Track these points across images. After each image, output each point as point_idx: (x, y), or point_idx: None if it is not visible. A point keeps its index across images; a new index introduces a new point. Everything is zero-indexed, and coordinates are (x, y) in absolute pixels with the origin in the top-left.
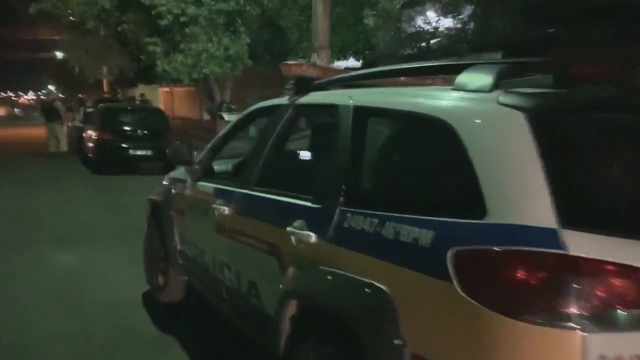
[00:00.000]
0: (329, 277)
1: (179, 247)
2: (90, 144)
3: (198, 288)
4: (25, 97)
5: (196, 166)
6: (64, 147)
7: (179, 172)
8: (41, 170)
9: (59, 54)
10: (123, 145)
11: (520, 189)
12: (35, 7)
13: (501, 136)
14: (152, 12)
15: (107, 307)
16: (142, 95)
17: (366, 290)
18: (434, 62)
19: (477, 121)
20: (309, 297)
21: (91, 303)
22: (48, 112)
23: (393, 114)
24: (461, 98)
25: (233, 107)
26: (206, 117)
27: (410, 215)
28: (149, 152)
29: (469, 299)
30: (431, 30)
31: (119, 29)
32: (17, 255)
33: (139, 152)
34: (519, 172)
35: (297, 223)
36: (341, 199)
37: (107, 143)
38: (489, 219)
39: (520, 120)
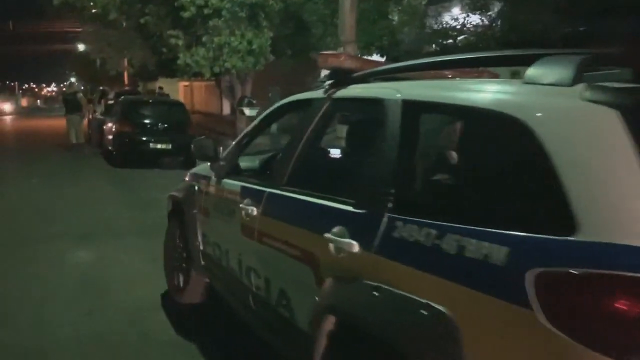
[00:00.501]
0: (375, 294)
1: (201, 247)
2: (111, 137)
3: (221, 292)
4: (48, 88)
5: (221, 162)
6: (81, 138)
7: (202, 168)
8: (61, 163)
9: (81, 46)
10: (143, 138)
11: (619, 201)
12: None
13: (591, 137)
14: (175, 4)
15: (126, 309)
16: (160, 88)
17: (422, 311)
18: (494, 53)
19: (559, 119)
20: (350, 313)
21: (111, 304)
22: (69, 103)
23: (452, 110)
24: (536, 92)
25: (254, 102)
26: (226, 111)
27: (478, 228)
28: (170, 146)
29: (555, 330)
30: (458, 27)
31: (142, 21)
32: (36, 252)
33: (159, 146)
34: (616, 180)
35: (336, 229)
36: (389, 204)
37: (127, 136)
38: (581, 236)
39: (613, 119)
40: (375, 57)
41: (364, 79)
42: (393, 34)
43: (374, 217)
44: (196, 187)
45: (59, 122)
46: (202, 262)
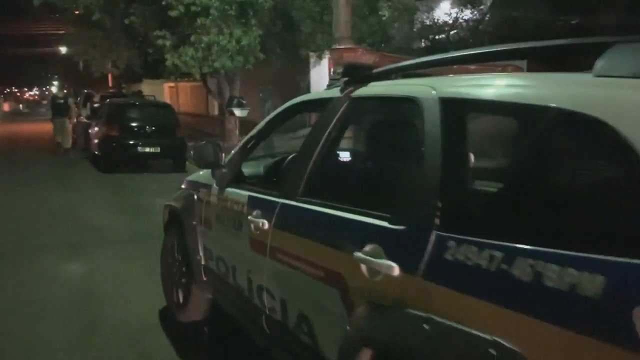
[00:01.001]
0: (425, 326)
1: (203, 262)
2: (97, 141)
3: (227, 310)
4: (30, 92)
5: (224, 170)
6: (67, 143)
7: (201, 175)
8: (46, 169)
9: (63, 49)
10: (131, 142)
11: None
12: None
13: None
14: (162, 3)
15: (124, 328)
16: (139, 92)
17: (490, 351)
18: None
19: None
20: (393, 348)
21: (106, 323)
22: (57, 107)
23: (506, 108)
24: (612, 86)
25: (244, 102)
26: (213, 112)
27: (560, 251)
28: (158, 149)
29: None
30: (450, 21)
31: (126, 21)
32: (25, 265)
33: (147, 149)
34: None
35: (369, 248)
36: (436, 220)
37: (114, 140)
38: None
39: None
40: None
41: (386, 76)
42: (384, 30)
43: (418, 235)
44: (195, 197)
45: (42, 127)
46: (205, 278)
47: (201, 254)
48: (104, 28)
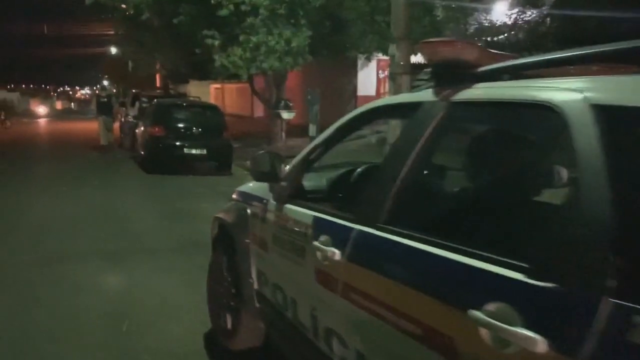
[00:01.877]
0: None
1: (256, 286)
2: (143, 141)
3: (282, 348)
4: (82, 91)
5: (283, 183)
6: (108, 140)
7: (255, 186)
8: (92, 169)
9: (113, 50)
10: (177, 143)
11: None
12: None
13: None
14: (212, 2)
15: (163, 354)
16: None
17: None
18: None
19: None
20: None
21: (144, 348)
22: (102, 105)
23: None
24: None
25: (291, 104)
26: (257, 113)
27: None
28: (204, 151)
29: None
30: (509, 22)
31: (175, 21)
32: (60, 275)
33: (193, 151)
34: None
35: (494, 307)
36: (610, 281)
37: (160, 141)
38: None
39: None
40: (419, 57)
41: (495, 76)
42: (439, 31)
43: (579, 300)
44: (249, 211)
45: (91, 125)
46: (257, 305)
47: (254, 277)
48: (152, 28)
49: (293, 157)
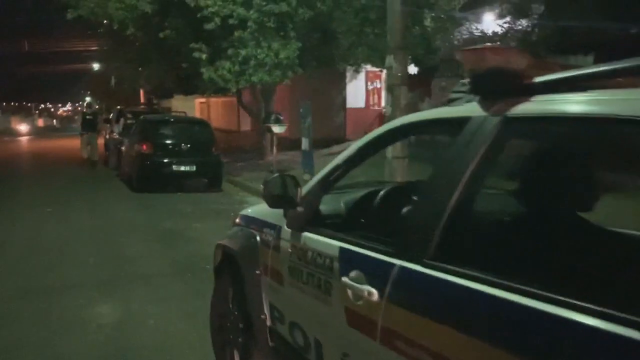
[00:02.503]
0: None
1: (269, 323)
2: (130, 159)
3: None
4: (64, 108)
5: (299, 208)
6: (94, 156)
7: (263, 210)
8: (77, 189)
9: (96, 66)
10: (165, 160)
11: None
12: (72, 12)
13: None
14: (198, 15)
15: None
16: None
17: None
18: None
19: None
20: None
21: None
22: (87, 122)
23: None
24: None
25: (282, 118)
26: (245, 127)
27: None
28: (194, 168)
29: None
30: (500, 32)
31: (161, 35)
32: (47, 308)
33: (182, 168)
34: None
35: None
36: None
37: (147, 158)
38: None
39: None
40: (411, 68)
41: (554, 88)
42: (428, 41)
43: None
44: (258, 239)
45: (74, 142)
46: (271, 343)
47: (266, 313)
48: (137, 43)
49: (285, 170)
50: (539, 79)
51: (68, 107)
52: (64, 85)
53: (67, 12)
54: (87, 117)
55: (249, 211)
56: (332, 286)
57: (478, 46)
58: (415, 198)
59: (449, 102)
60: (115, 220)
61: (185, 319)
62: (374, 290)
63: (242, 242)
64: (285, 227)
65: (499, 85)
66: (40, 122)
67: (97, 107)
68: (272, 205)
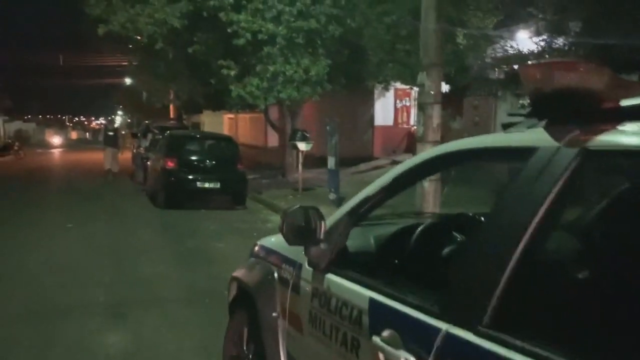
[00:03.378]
0: None
1: None
2: (155, 174)
3: None
4: (96, 121)
5: (322, 245)
6: (115, 168)
7: (283, 242)
8: (101, 203)
9: (128, 80)
10: (190, 176)
11: None
12: (103, 27)
13: None
14: (229, 30)
15: None
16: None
17: None
18: None
19: None
20: None
21: None
22: (108, 138)
23: None
24: None
25: (308, 135)
26: (272, 143)
27: None
28: (218, 185)
29: None
30: (536, 50)
31: (190, 50)
32: (56, 331)
33: (206, 185)
34: None
35: None
36: None
37: (172, 174)
38: None
39: None
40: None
41: None
42: (460, 59)
43: None
44: (276, 275)
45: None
46: None
47: (283, 358)
48: (167, 58)
49: (310, 189)
50: (627, 102)
51: (101, 120)
52: (97, 99)
53: (99, 27)
54: (109, 132)
55: (270, 241)
56: (360, 345)
57: (543, 60)
58: (464, 241)
59: (505, 127)
60: (136, 237)
61: (200, 352)
62: (412, 359)
63: (259, 278)
64: (307, 265)
65: (572, 108)
66: (74, 135)
67: (128, 120)
68: (291, 242)
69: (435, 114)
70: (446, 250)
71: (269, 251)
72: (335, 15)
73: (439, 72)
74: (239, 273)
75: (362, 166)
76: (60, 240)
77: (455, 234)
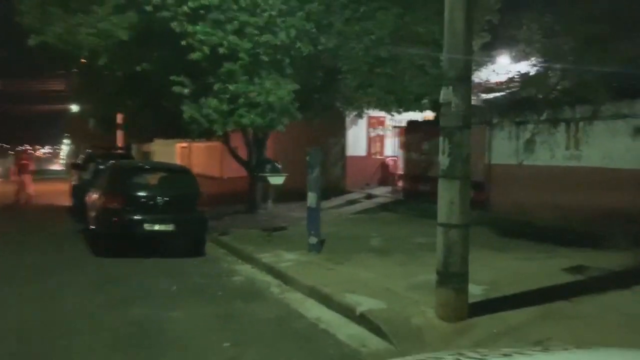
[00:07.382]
0: None
1: None
2: (95, 212)
3: None
4: (42, 150)
5: None
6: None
7: None
8: (23, 249)
9: (74, 107)
10: (136, 217)
11: None
12: (36, 38)
13: None
14: (182, 43)
15: None
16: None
17: None
18: None
19: None
20: None
21: None
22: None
23: None
24: None
25: (279, 166)
26: (228, 174)
27: None
28: (171, 227)
29: None
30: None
31: (138, 68)
32: None
33: (157, 227)
34: None
35: None
36: None
37: (115, 214)
38: None
39: None
40: (427, 113)
41: None
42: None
43: None
44: None
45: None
46: None
47: None
48: (113, 76)
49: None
50: None
51: (47, 149)
52: (43, 127)
53: (30, 37)
54: (23, 162)
55: None
56: None
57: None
58: None
59: None
60: (63, 301)
61: None
62: None
63: None
64: None
65: None
66: None
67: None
68: None
69: (465, 140)
70: None
71: None
72: (308, 31)
73: (468, 88)
74: None
75: (335, 200)
76: None
77: None
